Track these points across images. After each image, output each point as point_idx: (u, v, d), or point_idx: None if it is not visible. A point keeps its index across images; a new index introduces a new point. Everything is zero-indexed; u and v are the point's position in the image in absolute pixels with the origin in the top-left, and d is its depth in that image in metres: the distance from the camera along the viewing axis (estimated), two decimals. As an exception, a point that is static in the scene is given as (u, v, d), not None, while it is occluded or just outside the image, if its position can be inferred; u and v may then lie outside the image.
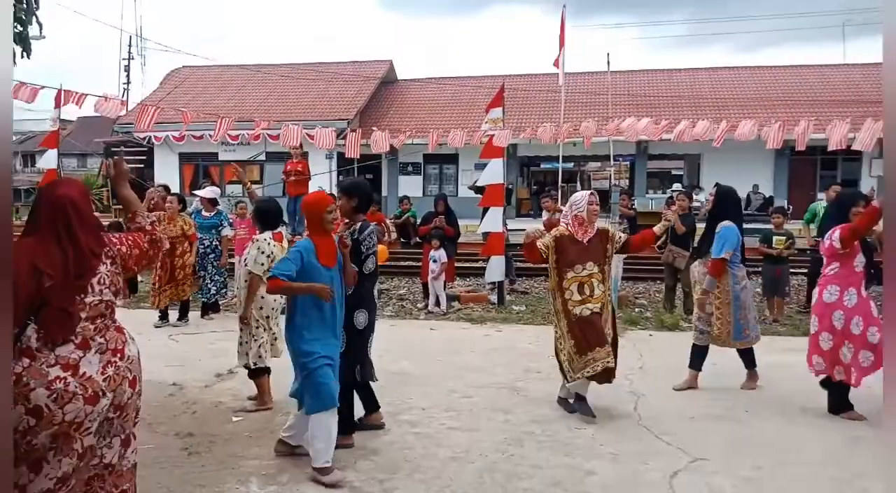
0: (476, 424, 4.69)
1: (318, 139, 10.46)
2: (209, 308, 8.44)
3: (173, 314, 8.07)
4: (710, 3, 78.91)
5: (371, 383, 4.45)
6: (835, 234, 4.65)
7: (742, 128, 9.65)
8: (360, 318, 4.21)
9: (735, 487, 3.73)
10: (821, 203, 9.76)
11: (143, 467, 3.96)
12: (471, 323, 8.09)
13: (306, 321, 3.80)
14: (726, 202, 5.43)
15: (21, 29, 4.67)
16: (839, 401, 4.77)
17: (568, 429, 4.60)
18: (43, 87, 9.03)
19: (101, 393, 2.47)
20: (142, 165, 25.16)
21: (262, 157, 23.71)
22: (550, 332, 5.97)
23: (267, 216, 5.10)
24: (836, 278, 4.68)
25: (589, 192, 5.03)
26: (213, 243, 8.50)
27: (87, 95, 9.44)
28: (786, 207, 15.55)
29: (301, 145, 11.10)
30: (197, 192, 9.50)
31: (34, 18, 5.01)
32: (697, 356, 5.44)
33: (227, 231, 8.61)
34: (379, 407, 4.55)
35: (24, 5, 4.72)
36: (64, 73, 53.84)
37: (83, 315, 2.49)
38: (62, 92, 9.27)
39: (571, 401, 4.92)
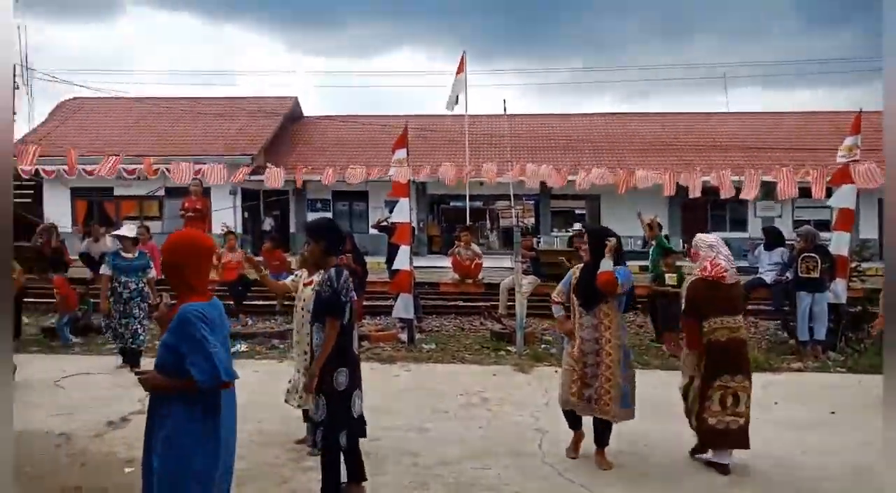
0: (382, 467, 4.65)
1: (209, 175, 10.29)
2: (133, 356, 7.55)
3: None
4: (603, 49, 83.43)
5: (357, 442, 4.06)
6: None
7: (639, 174, 10.32)
8: (341, 378, 3.84)
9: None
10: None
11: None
12: (380, 363, 8.03)
13: None
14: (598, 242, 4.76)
15: None
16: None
17: (473, 469, 4.64)
18: None
19: None
20: (29, 200, 23.60)
21: (161, 192, 22.83)
22: (460, 369, 5.99)
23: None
24: None
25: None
26: (140, 287, 7.62)
27: None
28: (682, 246, 16.52)
29: (200, 182, 10.84)
30: (116, 232, 8.49)
31: None
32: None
33: (152, 273, 7.84)
34: (365, 479, 4.09)
35: None
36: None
37: None
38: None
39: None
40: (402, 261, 9.15)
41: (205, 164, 10.82)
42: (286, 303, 10.10)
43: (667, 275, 9.08)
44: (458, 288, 12.23)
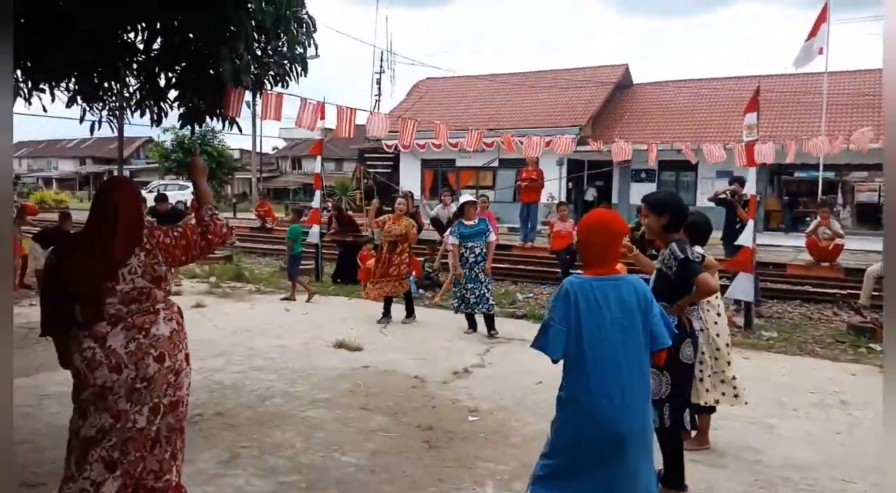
0: (720, 460, 4.32)
1: (557, 146, 10.51)
2: (488, 321, 7.80)
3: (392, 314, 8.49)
4: None
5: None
6: None
7: None
8: (687, 350, 3.64)
9: None
10: None
11: (386, 454, 4.28)
12: (712, 346, 7.50)
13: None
14: None
15: (301, 50, 5.22)
16: None
17: (833, 480, 4.04)
18: (305, 100, 9.81)
19: (123, 365, 2.80)
20: (389, 171, 27.38)
21: (496, 163, 24.45)
22: (809, 364, 5.26)
23: (700, 231, 4.29)
24: None
25: None
26: (483, 251, 7.84)
27: (355, 109, 9.98)
28: None
29: (536, 158, 11.24)
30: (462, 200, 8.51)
31: (311, 40, 5.47)
32: None
33: (491, 236, 8.02)
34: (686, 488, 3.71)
35: (305, 28, 5.20)
36: (323, 87, 60.38)
37: (115, 300, 2.82)
38: (324, 105, 10.21)
39: None
40: (747, 237, 8.37)
41: (550, 135, 11.14)
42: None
43: None
44: (810, 271, 10.79)
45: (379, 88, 35.15)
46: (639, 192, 23.93)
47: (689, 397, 3.80)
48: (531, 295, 10.86)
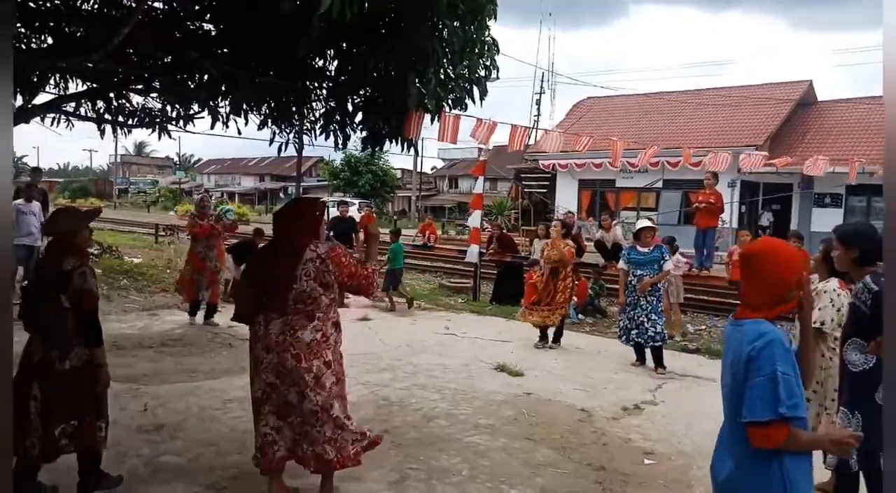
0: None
1: (745, 162, 9.79)
2: (655, 353, 7.27)
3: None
4: None
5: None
6: None
7: None
8: (879, 394, 3.25)
9: None
10: None
11: (555, 492, 4.06)
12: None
13: None
14: None
15: (484, 73, 5.20)
16: None
17: None
18: (479, 119, 9.99)
19: (269, 348, 3.43)
20: (545, 191, 27.16)
21: (659, 184, 23.40)
22: None
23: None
24: None
25: None
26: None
27: (528, 127, 10.05)
28: None
29: (715, 174, 10.52)
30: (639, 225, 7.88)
31: (494, 63, 5.44)
32: None
33: (668, 265, 7.38)
34: None
35: (489, 51, 5.17)
36: (480, 108, 61.37)
37: (291, 296, 3.40)
38: (490, 125, 10.26)
39: None
40: None
41: (719, 152, 10.46)
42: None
43: None
44: None
45: (538, 109, 35.14)
46: (822, 218, 21.78)
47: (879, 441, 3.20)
48: (703, 327, 10.13)
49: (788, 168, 10.41)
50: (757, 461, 2.20)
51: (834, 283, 4.16)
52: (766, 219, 23.80)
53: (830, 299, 4.13)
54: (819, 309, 4.08)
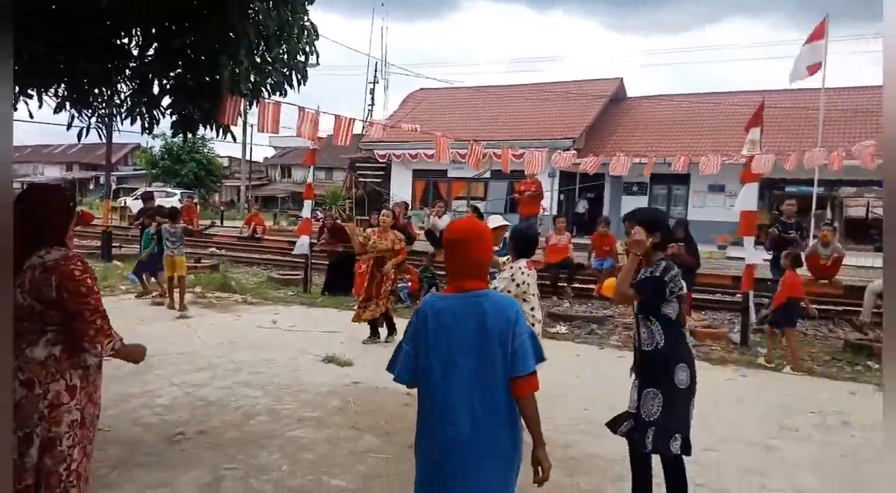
0: (721, 482, 4.18)
1: (557, 161, 10.47)
2: None
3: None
4: None
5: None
6: None
7: None
8: (682, 374, 3.42)
9: None
10: None
11: (378, 477, 4.10)
12: (710, 364, 7.38)
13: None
14: None
15: (302, 58, 5.08)
16: None
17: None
18: (303, 109, 9.55)
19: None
20: (380, 180, 27.25)
21: (487, 174, 24.37)
22: (808, 382, 5.09)
23: (525, 243, 4.78)
24: None
25: None
26: None
27: (354, 119, 9.66)
28: None
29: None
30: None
31: (313, 48, 5.33)
32: None
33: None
34: None
35: (307, 36, 5.06)
36: (312, 96, 60.05)
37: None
38: (318, 114, 9.97)
39: None
40: (751, 254, 8.39)
41: (534, 151, 11.11)
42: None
43: None
44: (807, 289, 10.69)
45: (372, 98, 35.15)
46: (630, 205, 23.95)
47: (683, 424, 3.44)
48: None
49: (601, 160, 11.40)
50: (498, 414, 2.44)
51: (522, 262, 4.57)
52: (581, 206, 25.71)
53: (512, 274, 4.52)
54: (501, 279, 4.56)
